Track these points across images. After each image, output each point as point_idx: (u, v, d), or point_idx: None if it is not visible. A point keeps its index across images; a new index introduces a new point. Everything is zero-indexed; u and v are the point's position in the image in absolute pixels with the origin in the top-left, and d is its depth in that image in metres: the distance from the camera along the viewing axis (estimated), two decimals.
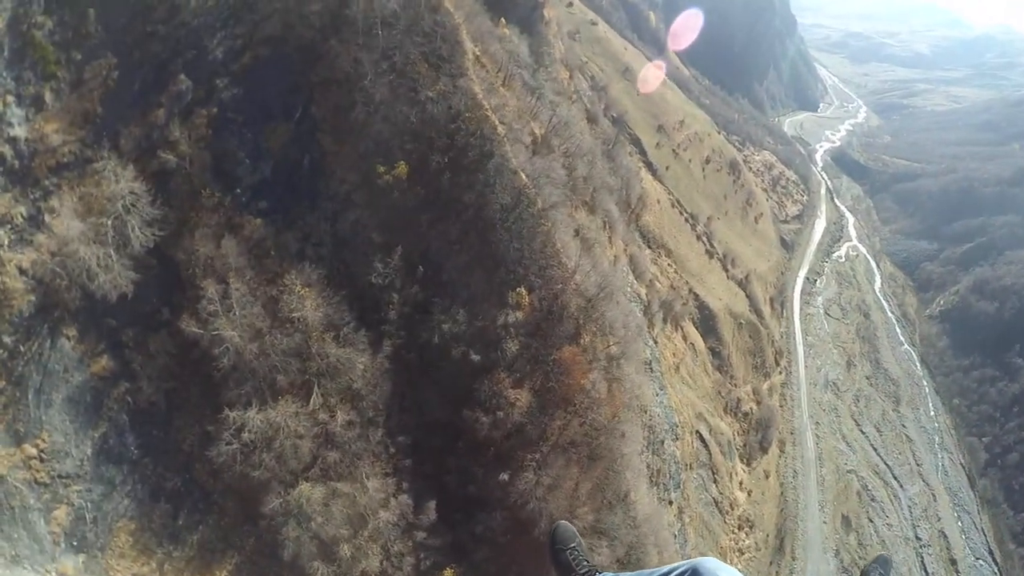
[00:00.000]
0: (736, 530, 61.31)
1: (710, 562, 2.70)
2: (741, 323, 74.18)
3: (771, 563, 62.45)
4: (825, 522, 68.51)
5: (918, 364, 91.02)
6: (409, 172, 36.17)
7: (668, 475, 51.86)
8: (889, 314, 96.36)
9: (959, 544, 74.86)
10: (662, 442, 51.47)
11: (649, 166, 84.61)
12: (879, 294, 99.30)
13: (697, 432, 58.87)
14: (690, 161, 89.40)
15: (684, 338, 65.07)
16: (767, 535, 63.08)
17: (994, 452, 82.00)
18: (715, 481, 59.41)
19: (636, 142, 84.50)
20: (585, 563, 3.39)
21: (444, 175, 36.78)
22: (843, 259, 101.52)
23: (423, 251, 36.53)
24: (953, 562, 73.37)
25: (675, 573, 2.79)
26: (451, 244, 37.03)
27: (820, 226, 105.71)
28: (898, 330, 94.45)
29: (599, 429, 37.15)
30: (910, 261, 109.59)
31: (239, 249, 32.17)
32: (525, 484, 33.56)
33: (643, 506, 39.87)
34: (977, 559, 75.12)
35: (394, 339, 35.06)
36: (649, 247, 72.10)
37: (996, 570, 74.90)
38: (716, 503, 58.75)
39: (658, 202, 79.89)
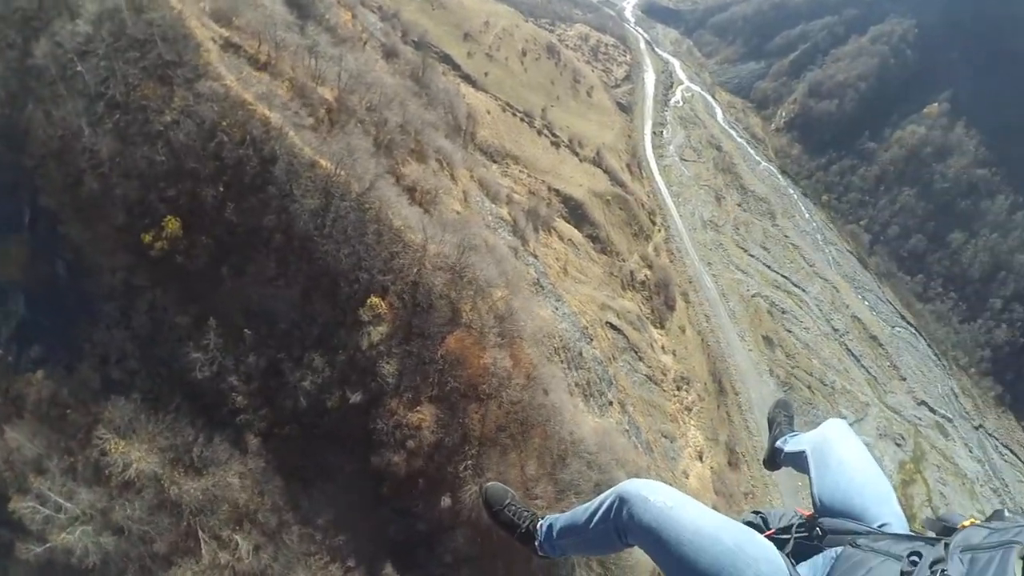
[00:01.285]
0: (676, 392, 63.88)
1: (631, 486, 2.67)
2: (608, 200, 75.56)
3: (718, 407, 65.60)
4: (750, 349, 72.39)
5: (780, 176, 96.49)
6: (183, 224, 30.46)
7: (598, 379, 52.76)
8: (739, 140, 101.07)
9: (873, 321, 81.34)
10: (580, 353, 52.10)
11: (467, 79, 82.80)
12: (724, 124, 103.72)
13: (607, 323, 60.11)
14: (507, 59, 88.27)
15: (561, 238, 65.62)
16: (704, 383, 66.18)
17: (874, 231, 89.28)
18: (640, 359, 61.31)
19: (446, 59, 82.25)
20: (526, 514, 3.41)
21: (227, 207, 31.20)
22: (681, 103, 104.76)
23: (244, 308, 31.33)
24: (874, 338, 79.81)
25: (603, 507, 2.78)
26: (272, 284, 31.91)
27: (650, 79, 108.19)
28: (752, 152, 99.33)
29: (519, 401, 34.62)
30: (743, 85, 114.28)
31: (33, 429, 27.35)
32: (471, 499, 31.18)
33: (591, 435, 38.82)
34: (893, 328, 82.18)
35: (257, 426, 30.83)
36: (494, 162, 71.36)
37: (913, 330, 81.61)
38: (649, 378, 60.80)
39: (488, 112, 78.77)
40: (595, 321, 58.71)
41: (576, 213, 71.34)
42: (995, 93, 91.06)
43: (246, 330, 31.19)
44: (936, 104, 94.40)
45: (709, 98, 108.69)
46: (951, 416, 76.96)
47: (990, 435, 77.88)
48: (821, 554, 2.63)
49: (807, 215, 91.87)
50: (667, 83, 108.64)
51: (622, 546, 2.78)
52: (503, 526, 3.47)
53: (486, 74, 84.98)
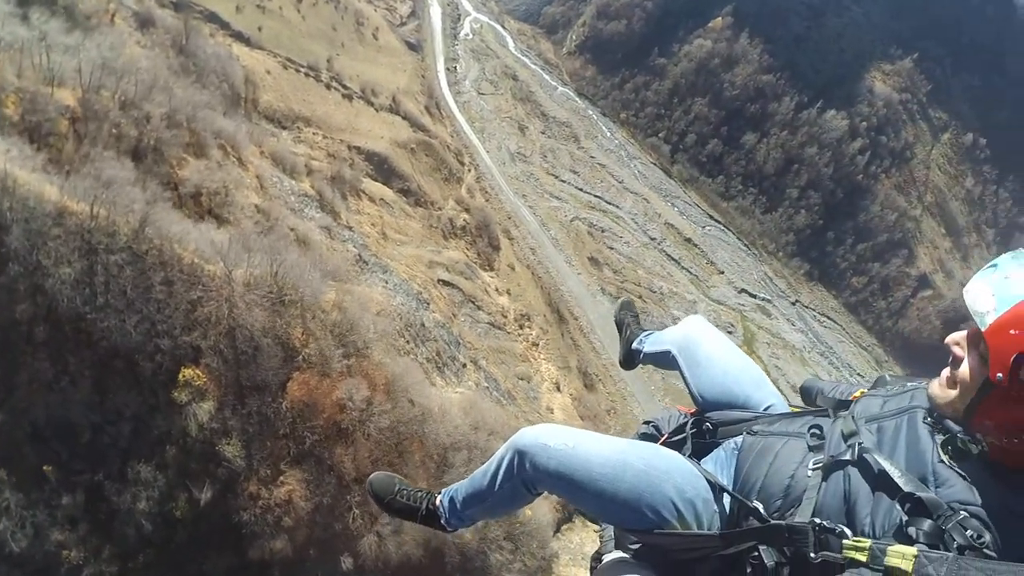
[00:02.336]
0: (520, 331, 65.15)
1: (526, 437, 2.64)
2: (412, 148, 74.00)
3: (562, 335, 67.78)
4: (579, 273, 75.22)
5: (577, 99, 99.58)
6: None
7: (447, 344, 51.91)
8: (533, 67, 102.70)
9: (685, 225, 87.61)
10: (422, 324, 50.47)
11: (239, 37, 75.49)
12: (517, 53, 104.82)
13: (439, 280, 59.31)
14: (281, 8, 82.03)
15: (372, 200, 63.34)
16: (544, 316, 68.09)
17: (673, 141, 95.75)
18: (479, 308, 61.74)
19: (213, 18, 73.97)
20: (420, 495, 3.33)
21: None
22: (471, 35, 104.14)
23: (30, 432, 24.94)
24: (689, 240, 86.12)
25: (504, 465, 2.73)
26: (54, 389, 25.04)
27: (436, 13, 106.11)
28: (547, 77, 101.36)
29: (387, 427, 30.43)
30: (531, 11, 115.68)
31: None
32: (372, 548, 28.08)
33: (461, 416, 36.16)
34: (704, 227, 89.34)
35: (107, 572, 25.45)
36: (284, 128, 66.75)
37: (722, 227, 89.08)
38: (492, 325, 61.51)
39: (268, 73, 73.06)
40: (427, 282, 57.88)
41: (382, 168, 69.15)
42: (774, 3, 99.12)
43: (44, 467, 24.88)
44: (720, 18, 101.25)
45: (499, 27, 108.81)
46: (770, 297, 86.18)
47: (807, 307, 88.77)
48: (720, 447, 2.69)
49: (609, 134, 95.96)
50: (454, 15, 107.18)
51: (533, 497, 2.77)
52: (400, 513, 3.38)
53: (260, 28, 78.32)
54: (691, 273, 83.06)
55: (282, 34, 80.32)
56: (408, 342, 45.80)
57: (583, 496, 2.47)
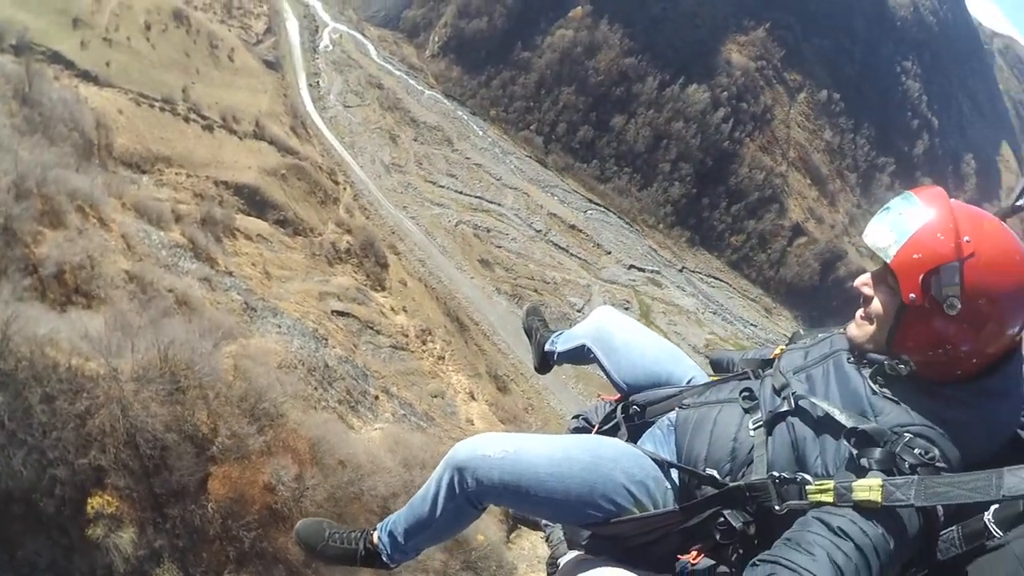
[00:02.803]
0: (423, 348, 65.03)
1: (461, 453, 2.53)
2: (283, 174, 72.76)
3: (466, 343, 68.47)
4: (472, 277, 76.16)
5: (446, 101, 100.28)
6: None
7: (354, 379, 50.35)
8: (398, 73, 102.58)
9: (567, 212, 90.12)
10: (325, 364, 48.47)
11: (87, 76, 71.20)
12: (380, 61, 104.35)
13: (332, 312, 58.18)
14: (129, 39, 78.26)
15: (248, 237, 61.34)
16: (444, 327, 68.56)
17: (545, 132, 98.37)
18: (379, 332, 61.42)
19: (57, 58, 69.39)
20: (354, 535, 3.14)
21: None
22: (331, 47, 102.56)
23: None
24: (573, 227, 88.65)
25: (443, 487, 2.59)
26: None
27: (293, 27, 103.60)
28: (413, 83, 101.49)
29: (324, 498, 27.69)
30: (390, 17, 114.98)
31: None
32: None
33: (389, 457, 34.70)
34: (586, 212, 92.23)
35: None
36: (144, 173, 63.67)
37: (603, 209, 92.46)
38: (395, 347, 61.19)
39: (121, 112, 69.47)
40: (320, 317, 55.82)
41: (254, 201, 67.54)
42: None
43: None
44: (579, 7, 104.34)
45: (359, 36, 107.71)
46: (658, 268, 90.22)
47: (694, 272, 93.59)
48: (654, 427, 2.71)
49: (481, 133, 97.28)
50: (312, 28, 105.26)
51: (479, 513, 2.70)
52: (337, 560, 3.23)
53: (108, 64, 74.00)
54: (580, 259, 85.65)
55: (132, 67, 76.69)
56: (316, 388, 43.06)
57: (534, 501, 2.45)
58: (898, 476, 1.81)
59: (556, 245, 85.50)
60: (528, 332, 3.92)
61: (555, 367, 3.74)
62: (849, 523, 1.79)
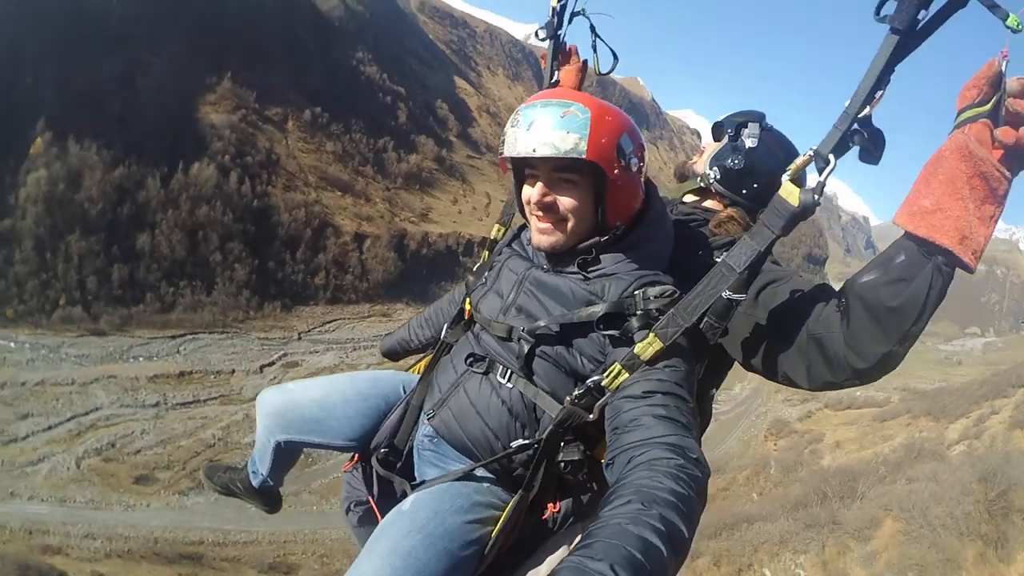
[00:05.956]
0: None
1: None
2: None
3: None
4: (132, 506, 66.02)
5: None
6: None
7: None
8: None
9: (174, 364, 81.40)
10: None
11: None
12: None
13: None
14: None
15: None
16: None
17: (77, 298, 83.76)
18: None
19: None
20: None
21: None
22: None
23: None
24: (182, 374, 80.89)
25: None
26: None
27: None
28: None
29: None
30: None
31: None
32: None
33: None
34: (184, 349, 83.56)
35: None
36: None
37: (202, 333, 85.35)
38: None
39: None
40: None
41: None
42: None
43: None
44: (37, 138, 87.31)
45: None
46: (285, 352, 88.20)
47: (310, 333, 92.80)
48: (417, 451, 2.58)
49: (13, 344, 77.74)
50: None
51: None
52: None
53: None
54: (214, 399, 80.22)
55: None
56: None
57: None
58: (660, 324, 2.02)
59: (184, 403, 77.75)
60: (229, 490, 3.40)
61: (279, 491, 3.35)
62: (644, 382, 1.97)
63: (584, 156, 2.10)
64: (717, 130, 3.10)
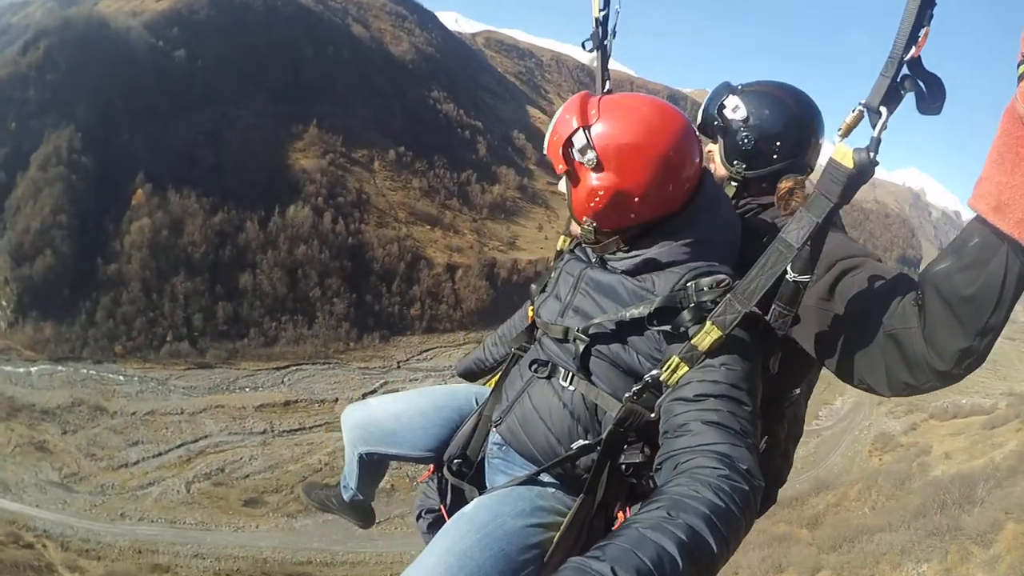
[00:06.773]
0: None
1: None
2: None
3: None
4: (241, 527, 67.11)
5: (60, 367, 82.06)
6: None
7: None
8: None
9: (274, 394, 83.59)
10: None
11: None
12: None
13: None
14: None
15: None
16: None
17: (183, 334, 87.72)
18: None
19: None
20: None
21: None
22: None
23: None
24: (287, 403, 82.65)
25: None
26: None
27: None
28: (10, 368, 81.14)
29: None
30: None
31: None
32: None
33: None
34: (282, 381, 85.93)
35: None
36: None
37: (305, 364, 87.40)
38: None
39: None
40: None
41: None
42: None
43: None
44: (138, 190, 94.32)
45: None
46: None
47: (407, 363, 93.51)
48: (487, 459, 2.58)
49: (123, 378, 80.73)
50: None
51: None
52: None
53: None
54: (319, 426, 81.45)
55: None
56: None
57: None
58: (718, 312, 1.92)
59: (290, 430, 79.54)
60: (325, 506, 3.67)
61: (371, 506, 3.60)
62: (698, 383, 1.87)
63: (545, 152, 2.22)
64: (705, 130, 2.95)
